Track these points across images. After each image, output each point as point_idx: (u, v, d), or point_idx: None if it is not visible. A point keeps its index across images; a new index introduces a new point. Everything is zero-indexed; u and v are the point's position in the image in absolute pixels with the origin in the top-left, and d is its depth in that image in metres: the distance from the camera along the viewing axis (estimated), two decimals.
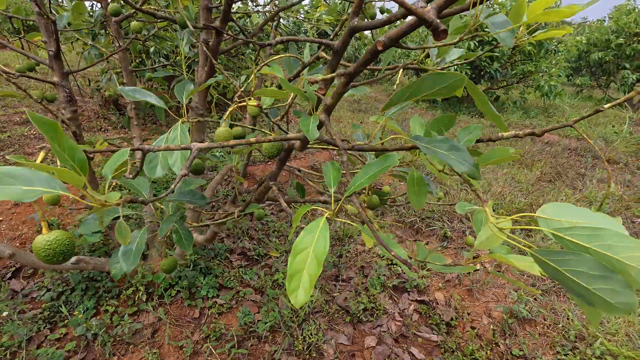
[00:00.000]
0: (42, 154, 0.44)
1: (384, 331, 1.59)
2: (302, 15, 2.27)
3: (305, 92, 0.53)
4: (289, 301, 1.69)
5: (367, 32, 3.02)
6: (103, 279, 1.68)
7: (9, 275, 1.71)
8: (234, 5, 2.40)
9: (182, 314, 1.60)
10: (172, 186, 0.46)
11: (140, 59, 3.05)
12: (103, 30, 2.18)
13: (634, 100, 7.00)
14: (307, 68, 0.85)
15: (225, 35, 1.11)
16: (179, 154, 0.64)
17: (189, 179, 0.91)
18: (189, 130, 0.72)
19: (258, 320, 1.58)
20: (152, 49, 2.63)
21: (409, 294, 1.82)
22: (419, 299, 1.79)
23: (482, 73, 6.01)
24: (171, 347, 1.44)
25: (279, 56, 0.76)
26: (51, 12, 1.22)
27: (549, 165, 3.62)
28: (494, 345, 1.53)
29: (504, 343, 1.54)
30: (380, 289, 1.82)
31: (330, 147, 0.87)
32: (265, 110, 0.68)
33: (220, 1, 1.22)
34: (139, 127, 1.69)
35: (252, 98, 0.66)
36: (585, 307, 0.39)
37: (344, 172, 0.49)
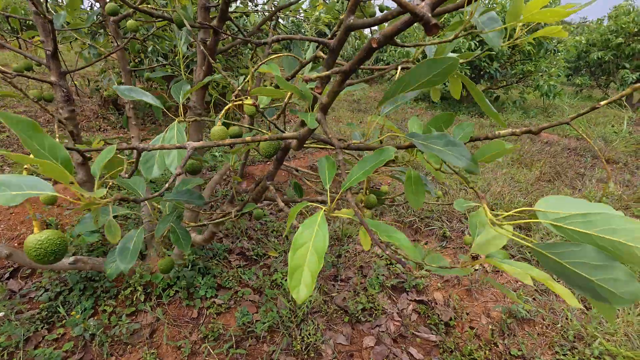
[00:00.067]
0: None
1: (383, 331, 1.59)
2: (301, 15, 2.27)
3: (302, 90, 0.53)
4: (288, 301, 1.68)
5: (366, 31, 3.02)
6: (101, 279, 1.67)
7: (6, 275, 1.71)
8: (232, 5, 2.40)
9: (180, 314, 1.60)
10: (166, 185, 0.45)
11: (140, 59, 3.05)
12: (102, 30, 2.18)
13: (633, 100, 7.00)
14: (308, 67, 0.85)
15: (222, 34, 1.11)
16: (175, 154, 0.64)
17: (186, 179, 0.91)
18: (185, 130, 0.72)
19: (256, 321, 1.57)
20: (150, 48, 2.63)
21: (407, 294, 1.82)
22: (417, 298, 1.79)
23: (481, 73, 6.01)
24: (169, 347, 1.43)
25: (277, 55, 0.76)
26: (48, 12, 1.21)
27: (548, 165, 3.61)
28: (492, 345, 1.53)
29: (503, 343, 1.54)
30: (379, 288, 1.82)
31: (329, 146, 0.86)
32: (261, 110, 0.67)
33: (218, 0, 1.21)
34: (138, 127, 1.68)
35: (248, 97, 0.66)
36: (596, 303, 0.38)
37: (339, 171, 0.48)
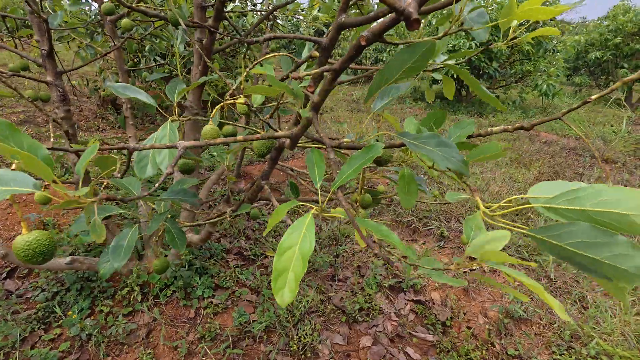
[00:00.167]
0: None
1: (380, 331, 1.59)
2: (300, 16, 2.27)
3: (293, 89, 0.53)
4: None
5: None
6: (98, 279, 1.67)
7: (3, 275, 1.71)
8: (230, 5, 2.40)
9: (177, 314, 1.59)
10: (157, 184, 0.45)
11: (137, 59, 3.05)
12: (100, 29, 2.18)
13: (632, 100, 7.00)
14: (304, 67, 0.85)
15: (218, 33, 1.10)
16: (166, 153, 0.63)
17: (182, 179, 0.90)
18: (179, 129, 0.72)
19: (253, 320, 1.57)
20: (147, 47, 2.62)
21: (405, 294, 1.82)
22: (415, 298, 1.79)
23: (480, 73, 6.01)
24: (166, 347, 1.43)
25: (272, 55, 0.76)
26: (43, 11, 1.21)
27: (547, 164, 3.61)
28: (489, 345, 1.53)
29: (500, 343, 1.54)
30: (376, 288, 1.82)
31: (324, 146, 0.86)
32: (253, 109, 0.67)
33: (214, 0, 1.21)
34: (135, 126, 1.68)
35: (241, 96, 0.66)
36: (606, 284, 0.36)
37: (331, 171, 0.48)
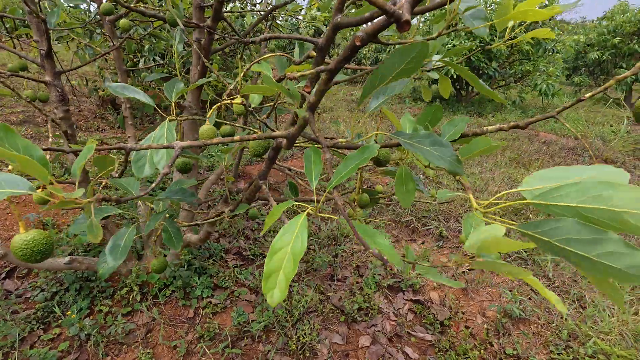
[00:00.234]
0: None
1: (379, 331, 1.59)
2: (300, 16, 2.27)
3: (289, 89, 0.53)
4: (284, 300, 1.68)
5: None
6: (97, 279, 1.67)
7: (2, 275, 1.71)
8: (229, 5, 2.40)
9: (176, 314, 1.60)
10: (153, 184, 0.45)
11: (137, 59, 3.05)
12: (99, 29, 2.18)
13: (632, 100, 7.00)
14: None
15: (215, 33, 1.11)
16: (163, 153, 0.64)
17: (180, 179, 0.91)
18: (177, 129, 0.72)
19: (252, 320, 1.57)
20: (146, 47, 2.63)
21: (403, 294, 1.82)
22: (413, 298, 1.79)
23: (480, 73, 6.01)
24: (165, 347, 1.43)
25: (269, 55, 0.76)
26: (41, 11, 1.21)
27: (546, 164, 3.62)
28: (487, 344, 1.53)
29: (498, 342, 1.54)
30: (375, 288, 1.82)
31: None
32: (250, 109, 0.67)
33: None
34: (134, 126, 1.68)
35: (238, 96, 0.66)
36: (601, 286, 0.34)
37: (327, 170, 0.48)
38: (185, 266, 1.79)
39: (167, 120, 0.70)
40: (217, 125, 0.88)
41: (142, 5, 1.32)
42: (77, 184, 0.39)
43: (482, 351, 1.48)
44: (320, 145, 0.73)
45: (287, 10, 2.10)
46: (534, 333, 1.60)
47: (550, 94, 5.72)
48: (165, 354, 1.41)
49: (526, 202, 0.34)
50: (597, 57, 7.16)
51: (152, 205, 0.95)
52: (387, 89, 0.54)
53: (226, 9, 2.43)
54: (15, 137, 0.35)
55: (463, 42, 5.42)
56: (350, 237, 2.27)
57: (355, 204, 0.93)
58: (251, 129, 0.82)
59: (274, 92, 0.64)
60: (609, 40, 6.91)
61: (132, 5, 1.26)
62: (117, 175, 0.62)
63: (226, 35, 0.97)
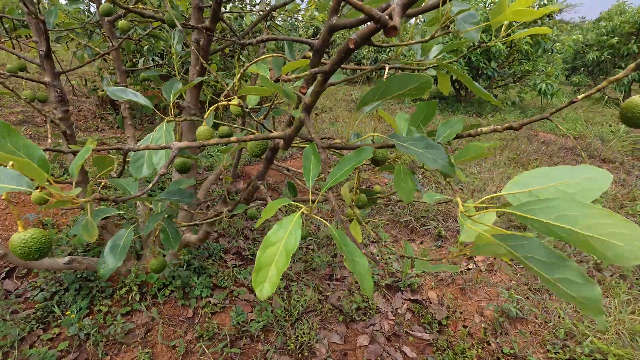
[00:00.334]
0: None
1: (377, 330, 1.60)
2: (299, 16, 2.28)
3: (285, 90, 0.54)
4: (283, 300, 1.69)
5: None
6: (97, 279, 1.68)
7: (2, 275, 1.71)
8: (228, 5, 2.40)
9: (175, 314, 1.60)
10: (150, 185, 0.46)
11: (136, 59, 3.05)
12: (98, 29, 2.19)
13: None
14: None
15: (214, 36, 1.11)
16: (163, 153, 0.64)
17: (179, 179, 0.91)
18: (175, 130, 0.72)
19: (251, 320, 1.58)
20: (145, 47, 2.63)
21: (402, 293, 1.83)
22: (412, 298, 1.80)
23: (479, 73, 6.02)
24: (164, 346, 1.44)
25: (266, 56, 0.77)
26: (40, 12, 1.22)
27: (544, 164, 3.63)
28: (485, 343, 1.54)
29: (495, 341, 1.55)
30: (374, 288, 1.83)
31: None
32: (247, 110, 0.68)
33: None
34: (133, 127, 1.69)
35: (235, 97, 0.67)
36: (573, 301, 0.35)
37: (322, 171, 0.49)
38: (185, 266, 1.80)
39: (165, 121, 0.71)
40: (216, 125, 0.89)
41: (141, 6, 1.33)
42: (74, 183, 0.39)
43: (479, 350, 1.49)
44: None
45: (286, 11, 2.11)
46: (531, 332, 1.61)
47: (549, 94, 5.73)
48: (164, 354, 1.41)
49: (507, 211, 0.35)
50: (595, 57, 7.17)
51: (150, 206, 0.96)
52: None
53: (225, 9, 2.43)
54: (17, 136, 0.35)
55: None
56: None
57: (353, 204, 0.94)
58: (249, 129, 0.83)
59: (270, 92, 0.64)
60: (607, 40, 6.93)
61: (131, 6, 1.27)
62: (115, 175, 0.63)
63: (225, 35, 0.97)
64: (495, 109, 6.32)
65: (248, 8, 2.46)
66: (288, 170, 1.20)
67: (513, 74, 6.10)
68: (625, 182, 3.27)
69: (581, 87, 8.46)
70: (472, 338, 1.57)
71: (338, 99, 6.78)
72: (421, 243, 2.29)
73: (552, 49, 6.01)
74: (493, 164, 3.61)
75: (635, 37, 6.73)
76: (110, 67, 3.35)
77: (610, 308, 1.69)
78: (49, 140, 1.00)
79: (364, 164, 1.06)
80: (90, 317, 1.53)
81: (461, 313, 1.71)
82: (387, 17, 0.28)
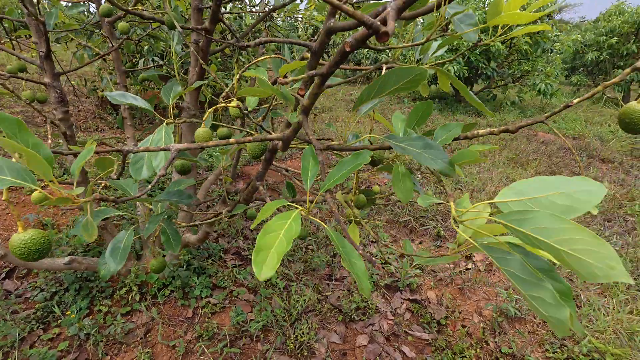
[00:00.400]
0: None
1: (376, 330, 1.60)
2: (299, 16, 2.28)
3: (283, 93, 0.54)
4: (282, 300, 1.69)
5: None
6: (96, 279, 1.68)
7: (2, 275, 1.72)
8: (228, 6, 2.41)
9: (175, 314, 1.61)
10: (149, 186, 0.47)
11: (135, 59, 3.06)
12: (98, 30, 2.19)
13: (630, 99, 7.01)
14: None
15: (212, 39, 1.11)
16: (163, 155, 0.65)
17: (178, 180, 0.92)
18: (174, 132, 0.73)
19: (251, 320, 1.59)
20: (145, 48, 2.63)
21: (401, 293, 1.83)
22: (411, 297, 1.80)
23: (479, 72, 6.03)
24: (164, 346, 1.45)
25: (264, 57, 0.77)
26: (40, 13, 1.22)
27: (544, 164, 3.63)
28: (483, 343, 1.55)
29: (494, 341, 1.55)
30: (373, 288, 1.83)
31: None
32: (246, 112, 0.68)
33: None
34: (133, 127, 1.69)
35: (234, 99, 0.67)
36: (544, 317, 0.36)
37: (320, 172, 0.49)
38: (184, 266, 1.80)
39: (165, 123, 0.71)
40: (215, 127, 0.89)
41: (141, 7, 1.33)
42: (75, 183, 0.40)
43: (478, 350, 1.50)
44: None
45: (285, 11, 2.11)
46: (529, 332, 1.61)
47: (548, 93, 5.74)
48: (164, 354, 1.42)
49: (496, 221, 0.35)
50: (594, 57, 7.18)
51: (150, 206, 0.96)
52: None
53: (225, 9, 2.44)
54: (27, 134, 0.36)
55: (463, 42, 5.43)
56: None
57: (352, 204, 0.95)
58: (248, 130, 0.83)
59: (268, 94, 0.65)
60: (606, 41, 6.93)
61: (130, 7, 1.27)
62: (115, 177, 0.63)
63: (225, 37, 0.98)
64: (494, 109, 6.33)
65: (248, 9, 2.46)
66: (287, 171, 1.21)
67: (512, 74, 6.11)
68: (624, 182, 3.27)
69: (580, 87, 8.47)
70: (470, 338, 1.58)
71: (338, 98, 6.78)
72: (420, 243, 2.30)
73: (551, 49, 6.01)
74: (492, 164, 3.61)
75: (634, 37, 6.74)
76: (110, 67, 3.35)
77: (609, 308, 1.70)
78: (49, 141, 1.00)
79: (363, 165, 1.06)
80: (91, 317, 1.53)
81: (460, 313, 1.71)
82: (378, 23, 0.28)
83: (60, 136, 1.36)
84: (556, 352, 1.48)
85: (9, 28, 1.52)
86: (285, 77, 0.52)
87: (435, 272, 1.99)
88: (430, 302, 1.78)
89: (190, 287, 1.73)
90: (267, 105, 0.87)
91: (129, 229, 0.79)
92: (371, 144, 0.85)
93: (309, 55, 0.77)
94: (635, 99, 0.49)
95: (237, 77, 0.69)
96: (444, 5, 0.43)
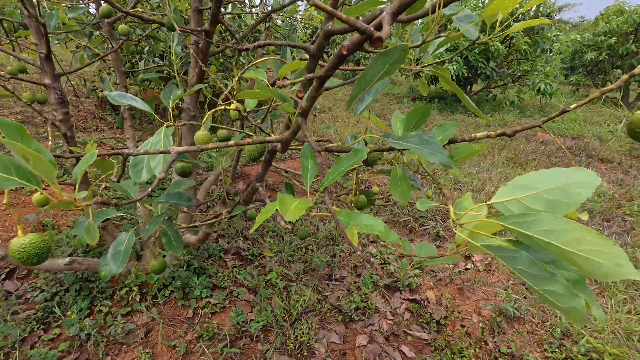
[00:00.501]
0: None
1: (376, 330, 1.61)
2: (299, 16, 2.29)
3: (281, 95, 0.55)
4: (282, 300, 1.70)
5: None
6: (97, 280, 1.69)
7: (2, 276, 1.72)
8: (228, 6, 2.41)
9: (175, 314, 1.61)
10: (149, 189, 0.47)
11: (135, 60, 3.06)
12: (97, 31, 2.19)
13: (629, 99, 7.03)
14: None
15: (211, 41, 1.12)
16: (160, 158, 0.65)
17: (178, 181, 0.92)
18: (174, 134, 0.73)
19: (251, 320, 1.59)
20: (146, 49, 2.64)
21: (400, 293, 1.84)
22: (410, 297, 1.81)
23: (478, 73, 6.03)
24: (164, 346, 1.45)
25: (263, 59, 0.78)
26: (40, 15, 1.23)
27: (543, 164, 3.64)
28: (482, 343, 1.55)
29: (493, 341, 1.56)
30: (372, 288, 1.84)
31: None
32: (245, 114, 0.69)
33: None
34: (133, 127, 1.70)
35: (233, 101, 0.67)
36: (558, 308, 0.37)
37: (319, 173, 0.50)
38: (184, 266, 1.81)
39: (164, 126, 0.72)
40: (214, 129, 0.90)
41: (141, 9, 1.33)
42: (77, 186, 0.40)
43: (477, 350, 1.50)
44: None
45: (284, 12, 2.12)
46: (528, 332, 1.62)
47: (548, 93, 5.75)
48: (164, 354, 1.42)
49: (500, 224, 0.35)
50: (593, 57, 7.19)
51: (150, 208, 0.96)
52: (371, 90, 0.56)
53: (225, 10, 2.44)
54: (29, 140, 0.37)
55: (463, 43, 5.43)
56: None
57: (352, 205, 0.95)
58: (247, 132, 0.84)
59: (267, 97, 0.65)
60: (605, 41, 6.94)
61: (129, 9, 1.28)
62: (115, 179, 0.63)
63: (224, 38, 0.98)
64: (494, 109, 6.33)
65: (247, 10, 2.46)
66: (286, 172, 1.21)
67: (512, 74, 6.11)
68: (622, 181, 3.28)
69: (580, 86, 8.48)
70: (469, 337, 1.58)
71: (337, 99, 6.79)
72: None
73: (550, 49, 6.02)
74: (492, 164, 3.62)
75: (633, 37, 6.75)
76: (110, 67, 3.36)
77: (607, 307, 1.70)
78: (50, 142, 1.01)
79: (362, 166, 1.07)
80: (91, 317, 1.54)
81: (459, 313, 1.72)
82: (372, 29, 0.29)
83: (60, 137, 1.37)
84: (555, 351, 1.49)
85: (8, 28, 1.53)
86: (284, 79, 0.53)
87: (435, 272, 2.00)
88: (429, 302, 1.78)
89: (191, 288, 1.73)
90: (267, 106, 0.88)
91: (130, 231, 0.79)
92: (366, 144, 0.86)
93: (306, 56, 0.77)
94: None
95: (237, 78, 0.70)
96: (438, 9, 0.43)
